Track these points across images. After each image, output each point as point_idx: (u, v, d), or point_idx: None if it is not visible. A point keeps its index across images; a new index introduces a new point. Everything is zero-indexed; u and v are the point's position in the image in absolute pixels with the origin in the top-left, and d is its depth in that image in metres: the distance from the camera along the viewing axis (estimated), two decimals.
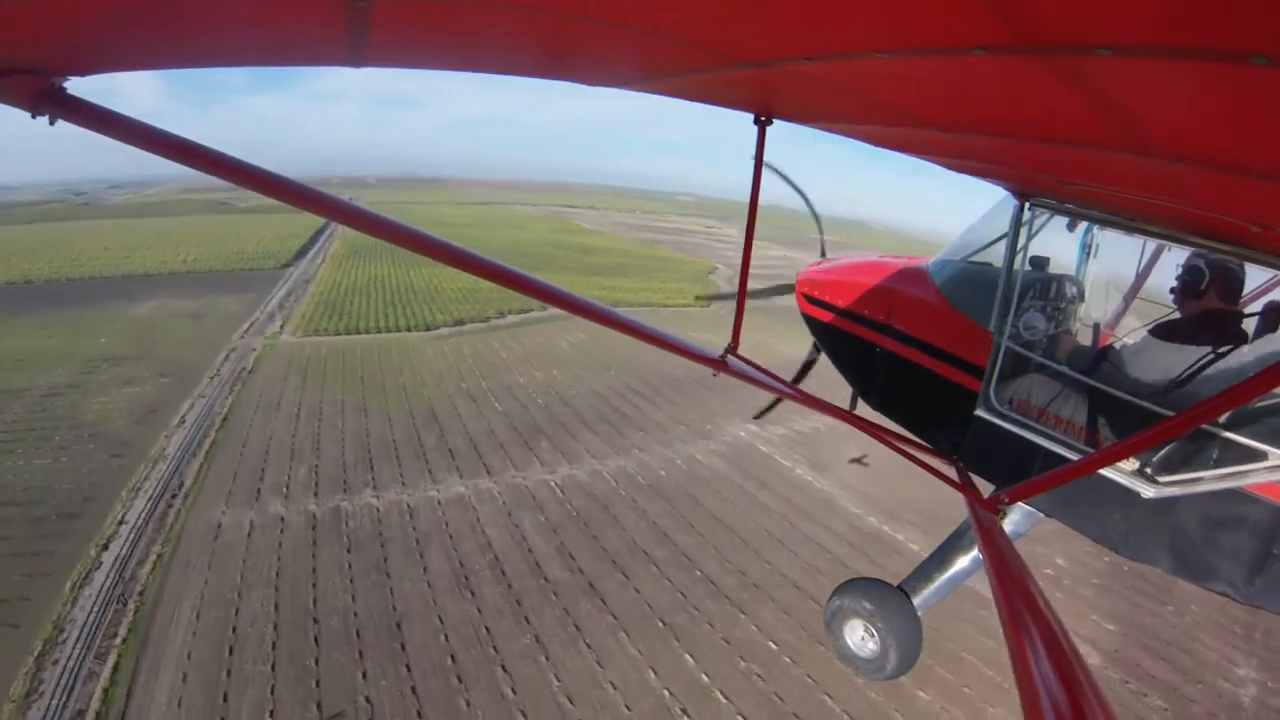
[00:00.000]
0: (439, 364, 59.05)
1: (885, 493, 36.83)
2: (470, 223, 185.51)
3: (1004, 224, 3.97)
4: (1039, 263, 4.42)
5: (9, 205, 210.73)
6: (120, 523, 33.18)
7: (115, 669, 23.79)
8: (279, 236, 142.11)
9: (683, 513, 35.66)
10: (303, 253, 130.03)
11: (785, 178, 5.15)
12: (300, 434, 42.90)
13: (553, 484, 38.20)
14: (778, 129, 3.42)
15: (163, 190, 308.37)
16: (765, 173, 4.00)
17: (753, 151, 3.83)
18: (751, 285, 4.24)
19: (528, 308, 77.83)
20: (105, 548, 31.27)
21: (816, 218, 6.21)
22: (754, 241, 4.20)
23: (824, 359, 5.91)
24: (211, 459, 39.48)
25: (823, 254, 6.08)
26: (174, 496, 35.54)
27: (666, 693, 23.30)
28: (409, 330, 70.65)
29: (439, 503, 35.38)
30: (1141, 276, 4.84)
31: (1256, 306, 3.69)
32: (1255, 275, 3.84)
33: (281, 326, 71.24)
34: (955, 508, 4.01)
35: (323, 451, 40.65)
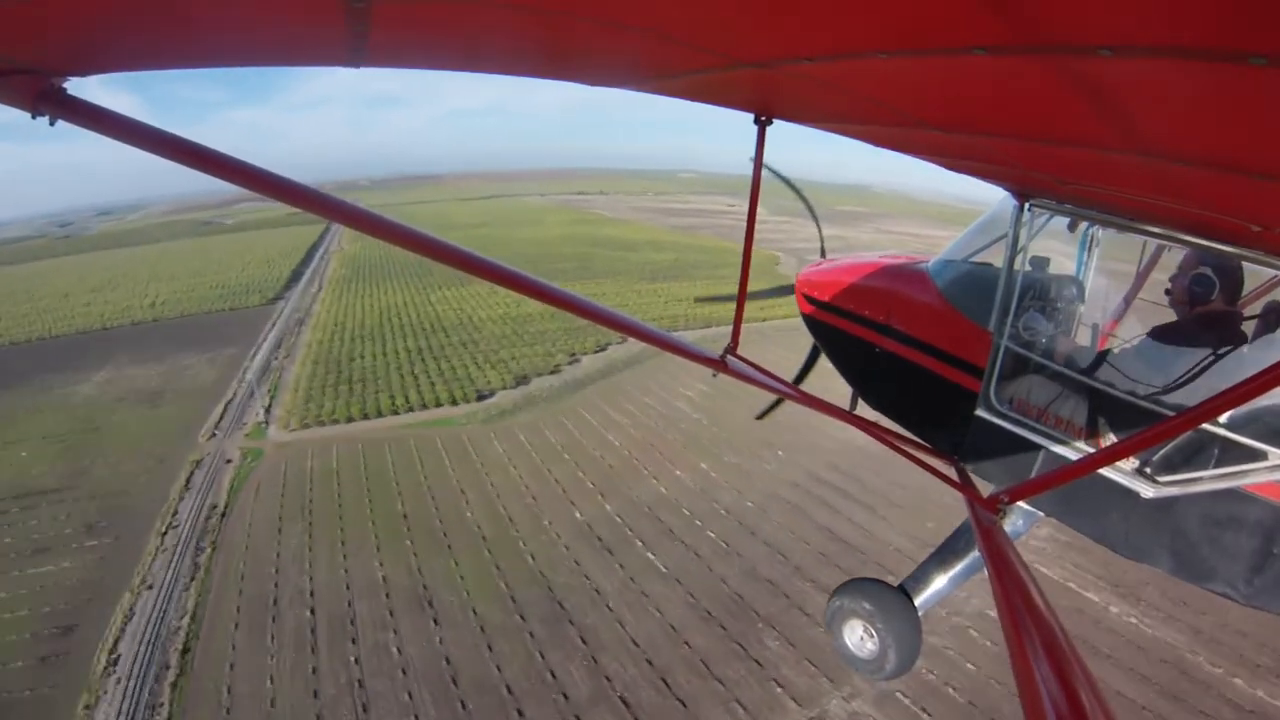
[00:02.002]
0: (521, 472, 37.80)
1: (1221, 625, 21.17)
2: (481, 221, 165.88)
3: (1004, 224, 3.96)
4: (1039, 263, 4.42)
5: None
6: None
7: None
8: (266, 259, 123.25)
9: None
10: (295, 278, 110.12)
11: (785, 180, 5.24)
12: (326, 686, 23.39)
13: None
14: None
15: (147, 214, 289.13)
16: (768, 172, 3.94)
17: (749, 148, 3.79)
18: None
19: (604, 343, 57.95)
20: None
21: (815, 219, 6.25)
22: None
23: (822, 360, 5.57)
24: None
25: (822, 252, 6.02)
26: None
27: None
28: (453, 403, 49.07)
29: None
30: (1141, 276, 4.82)
31: (1257, 307, 3.73)
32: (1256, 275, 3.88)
33: (268, 409, 50.23)
34: None
35: None
